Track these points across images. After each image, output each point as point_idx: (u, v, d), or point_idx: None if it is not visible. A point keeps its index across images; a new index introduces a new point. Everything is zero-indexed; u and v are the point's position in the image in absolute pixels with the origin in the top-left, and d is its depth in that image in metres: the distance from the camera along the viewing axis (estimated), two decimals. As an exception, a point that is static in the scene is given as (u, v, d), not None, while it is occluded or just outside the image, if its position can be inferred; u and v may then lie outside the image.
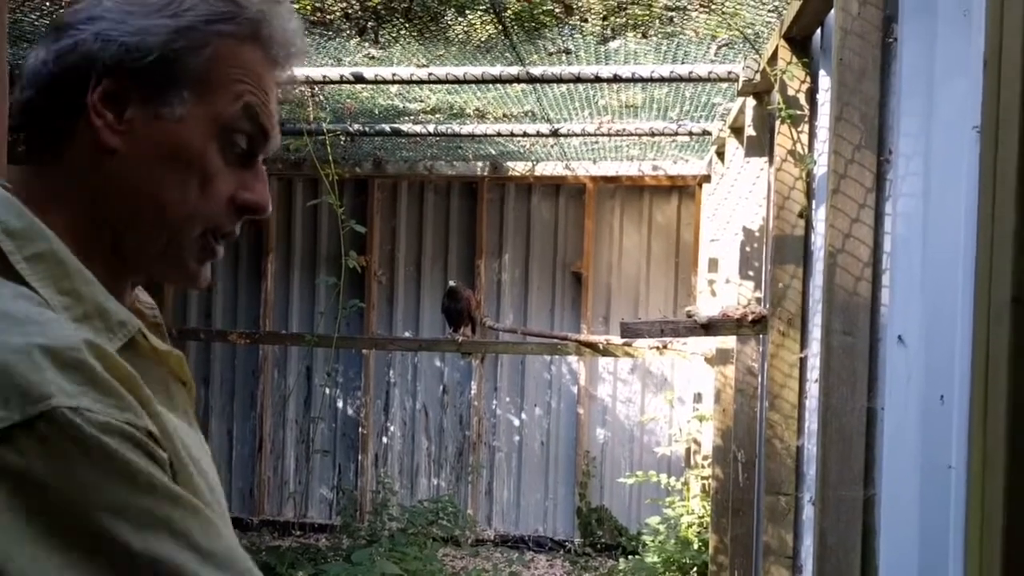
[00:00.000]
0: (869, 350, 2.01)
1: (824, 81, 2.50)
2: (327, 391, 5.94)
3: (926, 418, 1.65)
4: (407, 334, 5.93)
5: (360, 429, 5.96)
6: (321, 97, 3.70)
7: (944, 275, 1.60)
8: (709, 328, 2.92)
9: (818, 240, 2.53)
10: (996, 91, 0.90)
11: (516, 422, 5.96)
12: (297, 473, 6.08)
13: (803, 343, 2.71)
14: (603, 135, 4.26)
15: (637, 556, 4.96)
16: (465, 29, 2.81)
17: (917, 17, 1.75)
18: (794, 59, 2.61)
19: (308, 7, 2.55)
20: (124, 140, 0.71)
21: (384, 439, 6.03)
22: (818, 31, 2.58)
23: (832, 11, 2.13)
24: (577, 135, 4.30)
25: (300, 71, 3.22)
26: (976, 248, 0.97)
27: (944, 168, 1.63)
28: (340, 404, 6.04)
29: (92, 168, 0.71)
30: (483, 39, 2.86)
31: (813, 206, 2.63)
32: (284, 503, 6.02)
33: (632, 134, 4.22)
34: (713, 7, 2.48)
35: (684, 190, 5.68)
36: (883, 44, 1.95)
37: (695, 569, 4.41)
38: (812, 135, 2.63)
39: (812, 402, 2.55)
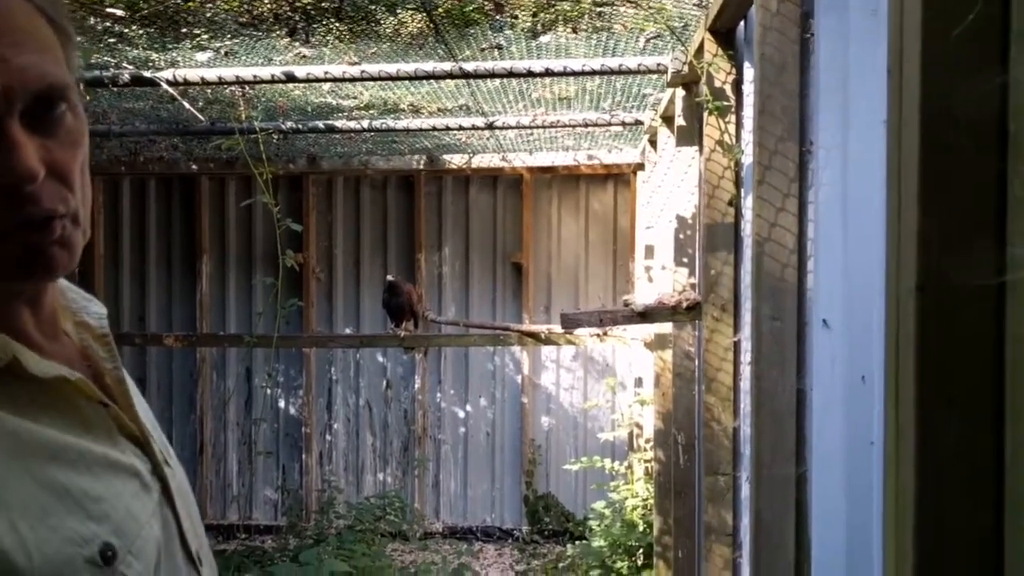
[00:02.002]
0: (797, 334, 2.09)
1: (749, 72, 2.57)
2: (268, 391, 5.88)
3: (849, 397, 1.74)
4: (348, 331, 5.90)
5: (303, 428, 5.91)
6: (253, 96, 3.64)
7: (863, 261, 1.68)
8: (645, 316, 2.98)
9: (748, 228, 2.60)
10: (899, 96, 0.96)
11: (461, 414, 5.99)
12: (240, 475, 6.00)
13: (736, 327, 2.79)
14: (538, 127, 4.30)
15: (584, 541, 5.05)
16: (396, 27, 2.81)
17: (831, 14, 1.83)
18: (719, 51, 2.68)
19: (238, 7, 2.52)
20: None
21: (328, 437, 6.00)
22: (742, 24, 2.65)
23: (753, 6, 2.20)
24: (512, 127, 4.33)
25: (230, 71, 3.18)
26: (885, 239, 1.03)
27: (860, 160, 1.71)
28: (282, 404, 5.99)
29: None
30: (414, 35, 2.86)
31: (742, 195, 2.71)
32: (228, 506, 5.95)
33: (566, 125, 4.27)
34: (640, 2, 2.53)
35: (619, 178, 5.76)
36: (801, 39, 2.02)
37: (641, 551, 4.51)
38: (739, 125, 2.71)
39: (746, 384, 2.63)
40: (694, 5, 2.71)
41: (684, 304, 2.96)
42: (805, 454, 2.08)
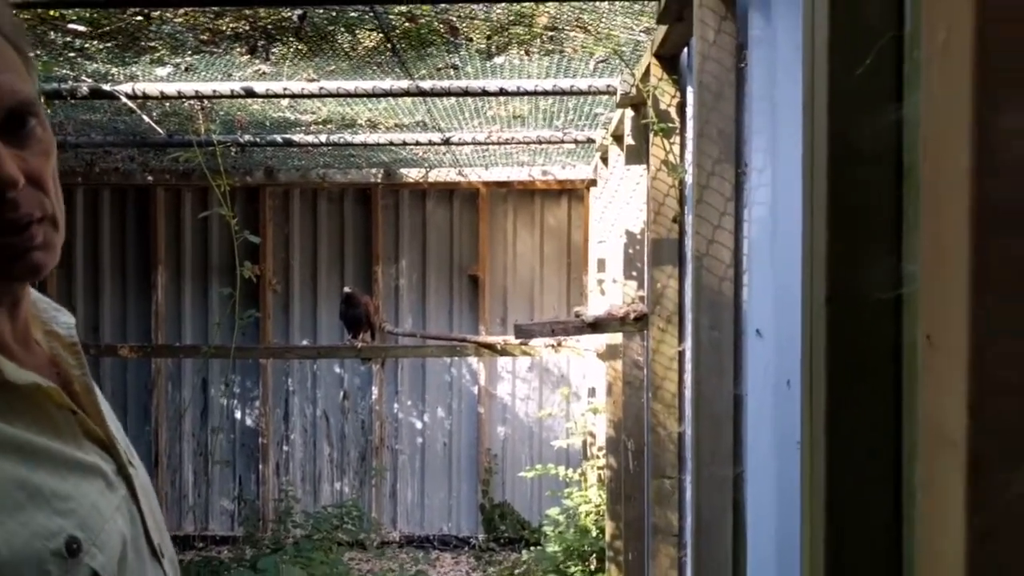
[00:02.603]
0: (734, 343, 2.22)
1: (693, 99, 2.71)
2: (224, 402, 5.88)
3: (778, 400, 1.87)
4: (305, 342, 5.93)
5: (260, 439, 5.92)
6: (211, 109, 3.70)
7: (789, 275, 1.81)
8: (596, 327, 3.11)
9: (690, 243, 2.74)
10: (811, 130, 1.07)
11: (418, 424, 6.06)
12: (196, 486, 5.98)
13: (680, 337, 2.92)
14: (493, 143, 4.42)
15: (539, 547, 5.15)
16: (353, 44, 2.90)
17: (762, 46, 1.97)
18: (664, 75, 2.82)
19: (199, 26, 2.59)
20: None
21: (285, 447, 6.01)
22: (686, 50, 2.79)
23: (693, 36, 2.34)
24: (468, 143, 4.44)
25: (190, 86, 3.24)
26: (801, 258, 1.15)
27: (786, 180, 1.85)
28: (238, 415, 5.99)
29: None
30: (372, 52, 2.96)
31: (686, 212, 2.85)
32: (184, 517, 5.92)
33: (521, 142, 4.39)
34: (589, 28, 2.66)
35: (573, 193, 5.90)
36: (737, 68, 2.17)
37: (594, 555, 4.62)
38: (683, 146, 2.84)
39: (690, 391, 2.76)
40: (641, 31, 2.85)
41: (632, 315, 3.08)
42: (742, 455, 2.21)
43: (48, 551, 0.72)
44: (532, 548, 5.37)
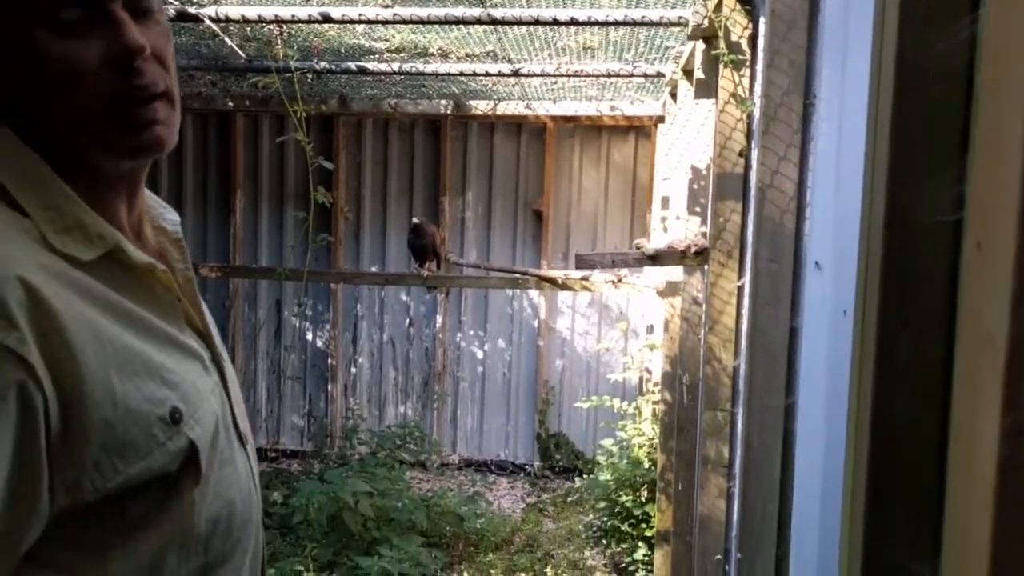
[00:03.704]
0: (792, 275, 2.25)
1: (764, 28, 2.68)
2: (297, 323, 6.12)
3: (833, 331, 1.90)
4: (374, 269, 6.10)
5: (329, 360, 6.17)
6: (288, 35, 3.79)
7: (851, 206, 1.82)
8: (655, 259, 3.14)
9: (755, 176, 2.74)
10: (880, 49, 1.08)
11: (479, 354, 6.21)
12: (269, 402, 6.29)
13: (740, 272, 2.94)
14: (562, 75, 4.41)
15: (592, 476, 5.29)
16: (429, -29, 2.93)
17: (837, -26, 1.95)
18: (737, 6, 2.78)
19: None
20: None
21: (352, 370, 6.25)
22: (760, -20, 2.74)
23: (768, -36, 2.31)
24: (537, 75, 4.45)
25: (268, 10, 3.32)
26: (862, 182, 1.17)
27: (854, 111, 1.84)
28: (309, 336, 6.23)
29: None
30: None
31: (752, 145, 2.84)
32: (257, 431, 6.23)
33: (590, 75, 4.37)
34: (663, -44, 2.64)
35: (640, 130, 5.86)
36: (811, -3, 2.14)
37: (645, 486, 4.73)
38: (752, 79, 2.82)
39: (746, 324, 2.79)
40: (716, -40, 2.81)
41: (693, 249, 3.11)
42: (794, 386, 2.25)
43: (155, 416, 0.79)
44: (585, 477, 5.51)
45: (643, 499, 4.70)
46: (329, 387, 6.19)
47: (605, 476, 4.93)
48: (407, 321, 6.22)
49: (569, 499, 5.63)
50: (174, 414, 0.81)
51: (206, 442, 0.85)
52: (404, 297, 6.21)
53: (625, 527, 4.71)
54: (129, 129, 0.81)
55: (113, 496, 0.76)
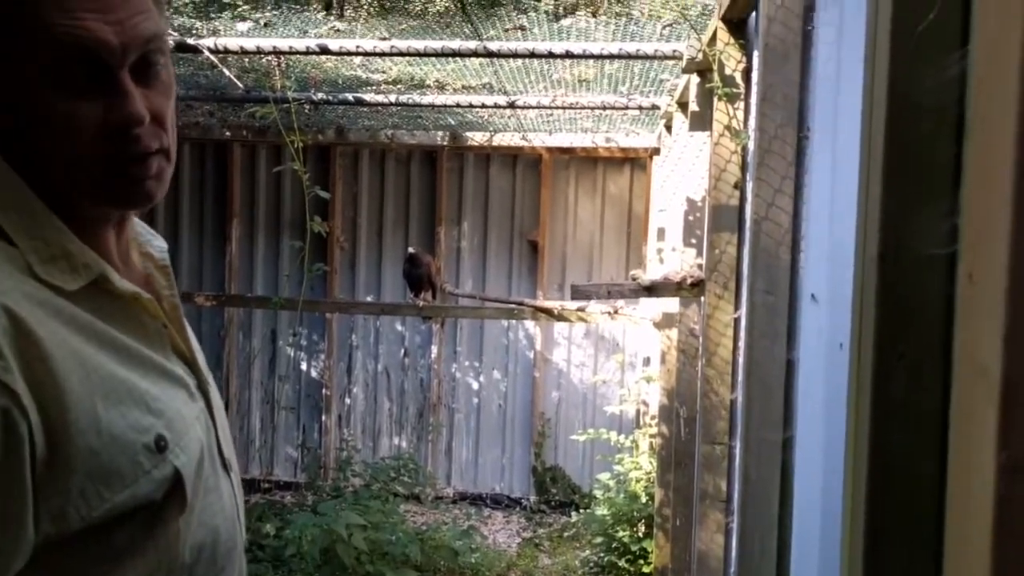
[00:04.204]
0: (788, 307, 2.24)
1: (758, 61, 2.70)
2: (291, 353, 6.09)
3: (829, 364, 1.89)
4: (369, 298, 6.09)
5: (324, 390, 6.13)
6: (286, 66, 3.81)
7: (846, 239, 1.82)
8: (652, 290, 3.14)
9: (750, 208, 2.74)
10: (871, 84, 1.09)
11: (475, 384, 6.18)
12: (263, 432, 6.24)
13: (736, 304, 2.93)
14: (558, 107, 4.44)
15: (589, 511, 5.23)
16: (425, 4, 2.96)
17: (831, 8, 1.96)
18: (731, 40, 2.80)
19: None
20: None
21: (347, 400, 6.21)
22: (754, 13, 2.77)
23: (761, -2, 2.33)
24: (533, 107, 4.47)
25: (267, 42, 3.35)
26: (856, 214, 1.16)
27: (848, 144, 1.85)
28: (304, 366, 6.20)
29: None
30: (442, 14, 3.01)
31: (747, 177, 2.84)
32: (250, 461, 6.18)
33: (585, 107, 4.40)
34: (657, -10, 2.67)
35: (636, 162, 5.89)
36: (804, 31, 2.16)
37: (642, 521, 4.68)
38: (747, 111, 2.83)
39: (743, 356, 2.78)
40: (710, -5, 2.84)
41: (689, 280, 3.10)
42: (792, 419, 2.23)
43: (140, 443, 0.79)
44: (582, 511, 5.45)
45: (640, 534, 4.65)
46: (323, 418, 6.14)
47: (602, 511, 4.88)
48: (402, 351, 6.20)
49: (565, 534, 5.57)
50: (159, 441, 0.81)
51: (191, 470, 0.85)
52: (399, 327, 6.19)
53: (623, 563, 4.65)
54: (120, 184, 0.83)
55: (99, 525, 0.76)
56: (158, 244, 0.99)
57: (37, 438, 0.71)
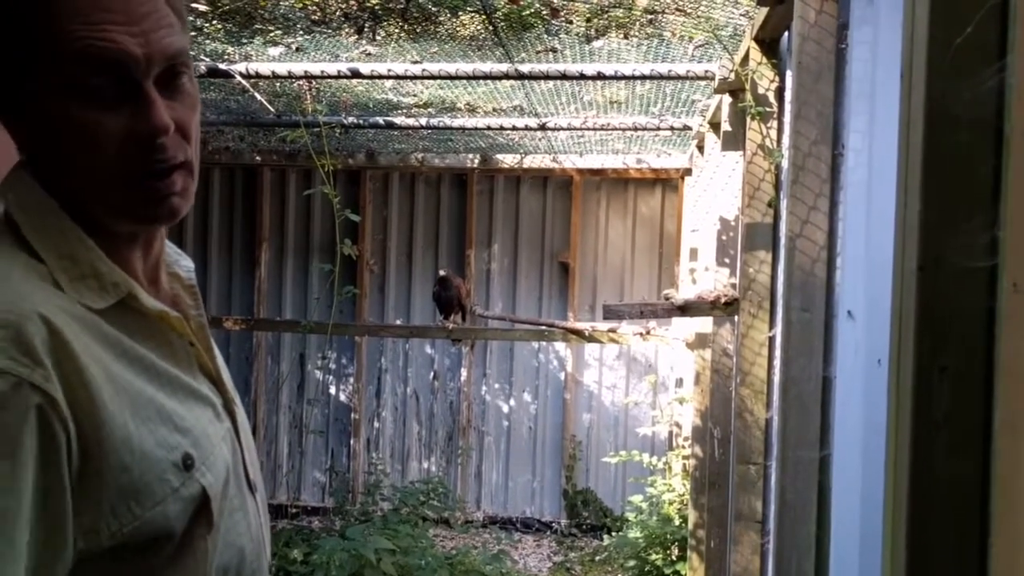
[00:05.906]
0: (824, 325, 2.21)
1: (792, 80, 2.69)
2: (320, 377, 6.11)
3: (867, 381, 1.85)
4: (399, 321, 6.11)
5: (352, 414, 6.14)
6: (317, 91, 3.86)
7: (882, 255, 1.80)
8: (685, 310, 3.11)
9: (784, 226, 2.72)
10: (908, 99, 1.08)
11: (505, 408, 6.15)
12: (290, 457, 6.25)
13: (771, 323, 2.90)
14: (588, 129, 4.45)
15: (621, 534, 5.17)
16: (456, 28, 2.99)
17: (863, 27, 1.95)
18: (764, 60, 2.80)
19: (309, 5, 2.72)
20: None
21: (376, 424, 6.21)
22: (786, 34, 2.77)
23: (794, 17, 2.32)
24: (564, 129, 4.48)
25: (298, 66, 3.40)
26: (894, 228, 1.15)
27: (883, 160, 1.83)
28: (332, 390, 6.22)
29: None
30: (473, 37, 3.04)
31: (781, 196, 2.82)
32: (278, 487, 6.19)
33: (616, 128, 4.40)
34: (688, 12, 2.67)
35: (667, 183, 5.88)
36: (837, 49, 2.15)
37: (676, 544, 4.61)
38: (780, 130, 2.82)
39: (778, 374, 2.74)
40: (741, 15, 2.84)
41: (722, 300, 3.08)
42: (828, 438, 2.19)
43: (168, 461, 0.79)
44: (614, 534, 5.39)
45: (674, 557, 4.58)
46: (352, 442, 6.14)
47: (634, 534, 4.82)
48: (431, 374, 6.20)
49: (597, 558, 5.50)
50: (186, 460, 0.81)
51: (217, 489, 0.85)
52: (429, 350, 6.19)
53: (655, 587, 4.58)
54: (145, 200, 0.83)
55: (127, 543, 0.76)
56: (185, 264, 1.00)
57: (73, 449, 0.71)
